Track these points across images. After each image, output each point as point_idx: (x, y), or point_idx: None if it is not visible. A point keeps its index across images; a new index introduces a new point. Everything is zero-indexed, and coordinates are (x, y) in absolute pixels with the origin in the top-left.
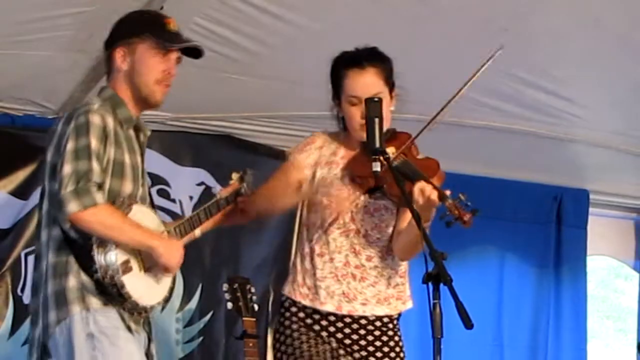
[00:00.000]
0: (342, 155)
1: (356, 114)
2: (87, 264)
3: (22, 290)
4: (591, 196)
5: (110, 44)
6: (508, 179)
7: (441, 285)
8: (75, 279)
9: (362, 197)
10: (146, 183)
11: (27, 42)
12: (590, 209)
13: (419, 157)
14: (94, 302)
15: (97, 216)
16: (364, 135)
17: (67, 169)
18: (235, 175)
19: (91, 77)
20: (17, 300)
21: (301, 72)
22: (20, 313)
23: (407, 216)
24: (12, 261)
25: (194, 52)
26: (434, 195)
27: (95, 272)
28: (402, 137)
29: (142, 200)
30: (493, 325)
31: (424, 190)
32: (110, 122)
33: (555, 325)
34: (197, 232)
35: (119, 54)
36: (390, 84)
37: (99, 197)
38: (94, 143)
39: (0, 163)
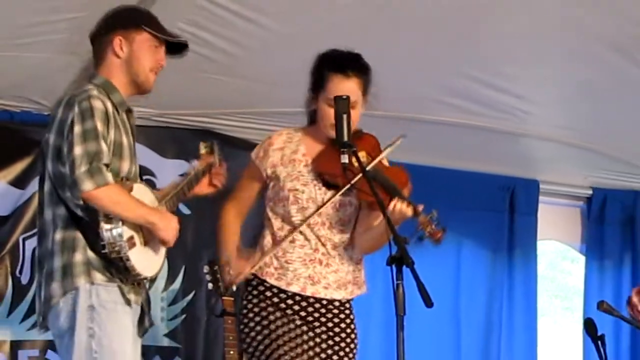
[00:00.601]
0: (304, 152)
1: (331, 115)
2: (93, 241)
3: (21, 272)
4: (541, 186)
5: (107, 31)
6: (464, 170)
7: (404, 267)
8: (82, 254)
9: (329, 193)
10: (137, 160)
11: (25, 44)
12: (540, 198)
13: (386, 164)
14: (98, 276)
15: (108, 194)
16: (334, 133)
17: (77, 150)
18: (202, 145)
19: (82, 77)
20: (16, 280)
21: (274, 72)
22: (19, 293)
23: (373, 215)
24: (11, 245)
25: (178, 50)
26: (409, 211)
27: (103, 248)
28: (367, 138)
29: (135, 177)
30: (451, 304)
31: (399, 207)
32: (109, 106)
33: (508, 304)
34: None
35: (116, 42)
36: (366, 93)
37: (109, 176)
38: (100, 126)
39: (0, 155)
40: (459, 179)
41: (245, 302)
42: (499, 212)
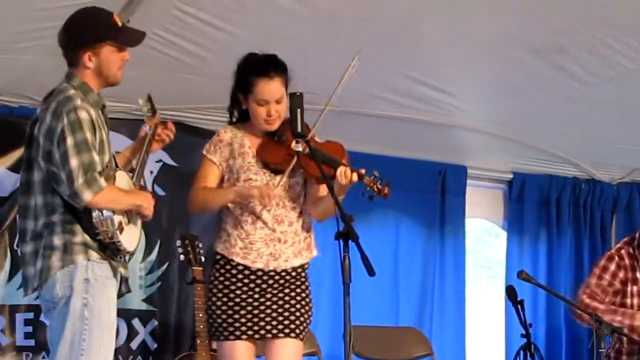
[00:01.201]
0: (249, 145)
1: (263, 112)
2: (88, 227)
3: (18, 245)
4: (468, 171)
5: (75, 47)
6: (403, 157)
7: (349, 241)
8: (80, 237)
9: (278, 178)
10: (111, 146)
11: (21, 48)
12: (468, 181)
13: (320, 141)
14: (94, 255)
15: (104, 197)
16: (269, 127)
17: (73, 162)
18: (144, 108)
19: None
20: (14, 253)
21: None
22: (16, 263)
23: (320, 187)
24: (9, 222)
25: None
26: (355, 176)
27: (97, 235)
28: None
29: (111, 162)
30: (391, 274)
31: (345, 173)
32: (92, 113)
33: (440, 273)
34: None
35: (85, 58)
36: (287, 87)
37: (103, 181)
38: (89, 136)
39: (0, 145)
40: (398, 165)
41: (212, 279)
42: (432, 194)
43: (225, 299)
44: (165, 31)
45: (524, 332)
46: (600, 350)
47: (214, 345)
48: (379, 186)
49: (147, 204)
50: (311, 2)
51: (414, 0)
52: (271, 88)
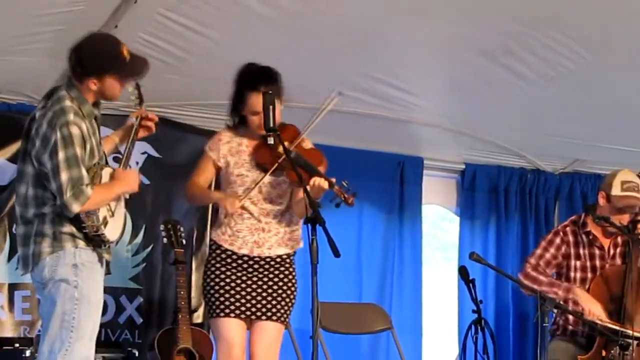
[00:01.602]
0: (246, 144)
1: (256, 121)
2: (76, 222)
3: (16, 229)
4: (425, 162)
5: (82, 74)
6: (366, 149)
7: (317, 225)
8: (68, 228)
9: (267, 176)
10: (102, 145)
11: (21, 50)
12: (424, 171)
13: (307, 146)
14: (81, 243)
15: (91, 202)
16: (263, 132)
17: (63, 176)
18: (131, 89)
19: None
20: (13, 236)
21: (215, 72)
22: (15, 245)
23: (299, 189)
24: (8, 208)
25: None
26: (325, 185)
27: (84, 228)
28: (289, 129)
29: (102, 160)
30: (354, 255)
31: (318, 182)
32: (83, 127)
33: (399, 255)
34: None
35: (91, 83)
36: (280, 95)
37: (89, 191)
38: (79, 151)
39: (0, 138)
40: (362, 156)
41: (207, 263)
42: (391, 182)
43: (217, 280)
44: (149, 35)
45: (475, 308)
46: (544, 324)
47: (194, 319)
48: (345, 195)
49: (129, 187)
50: (281, 6)
51: (378, 8)
52: (260, 101)
